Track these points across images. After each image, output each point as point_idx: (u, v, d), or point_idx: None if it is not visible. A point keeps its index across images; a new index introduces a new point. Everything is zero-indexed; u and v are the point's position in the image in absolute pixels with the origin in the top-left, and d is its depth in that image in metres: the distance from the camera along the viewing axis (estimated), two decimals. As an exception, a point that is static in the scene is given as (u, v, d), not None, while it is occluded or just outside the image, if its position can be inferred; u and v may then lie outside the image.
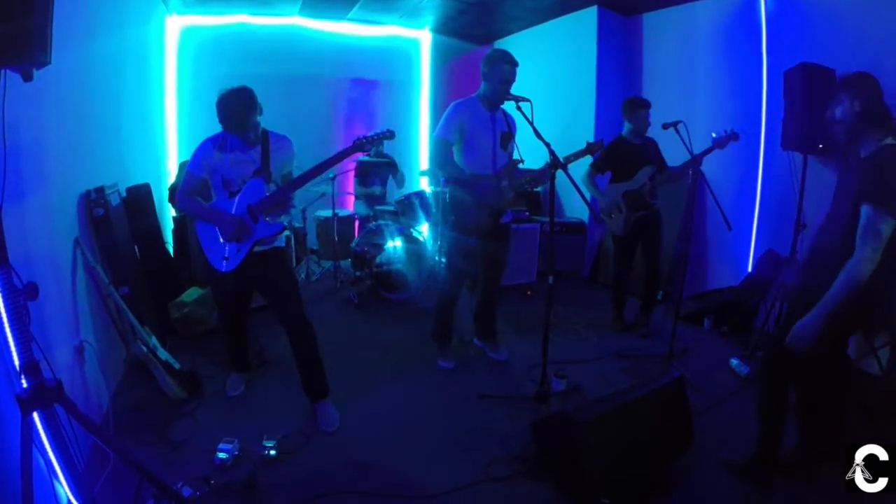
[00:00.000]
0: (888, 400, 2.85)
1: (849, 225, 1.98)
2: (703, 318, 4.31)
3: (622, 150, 3.95)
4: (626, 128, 3.97)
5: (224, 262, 2.70)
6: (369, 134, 2.69)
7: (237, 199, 2.66)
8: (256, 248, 2.70)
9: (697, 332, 4.22)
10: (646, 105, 3.90)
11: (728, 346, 3.91)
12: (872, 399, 2.82)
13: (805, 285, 2.31)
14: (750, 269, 4.47)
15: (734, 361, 3.51)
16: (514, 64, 3.08)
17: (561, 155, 2.79)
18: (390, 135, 2.77)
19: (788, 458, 2.39)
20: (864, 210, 1.90)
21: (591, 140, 3.07)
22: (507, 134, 3.22)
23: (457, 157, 3.22)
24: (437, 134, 3.21)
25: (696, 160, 3.38)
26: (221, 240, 2.70)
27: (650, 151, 3.95)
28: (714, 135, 3.44)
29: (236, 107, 2.53)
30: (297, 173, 2.76)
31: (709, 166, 3.55)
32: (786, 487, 2.33)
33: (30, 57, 1.37)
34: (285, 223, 2.86)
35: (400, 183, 5.68)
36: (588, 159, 3.34)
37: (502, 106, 3.24)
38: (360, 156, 5.35)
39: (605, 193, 4.03)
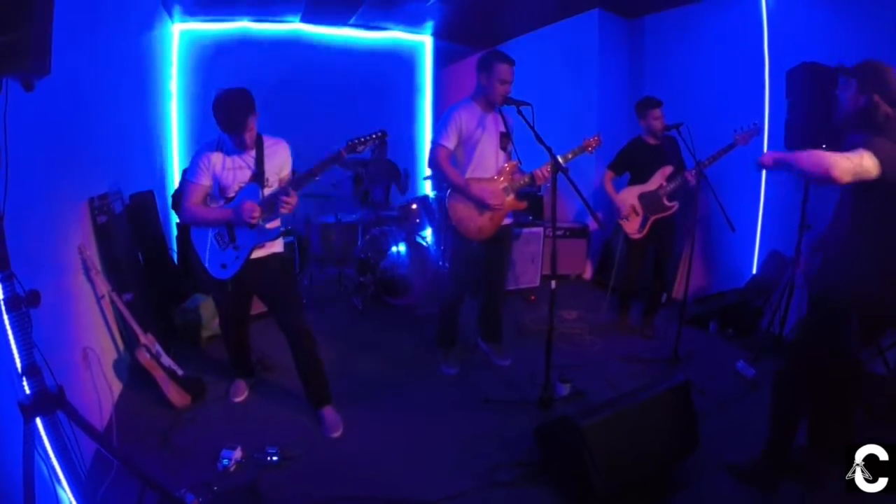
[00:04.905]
0: (894, 401, 2.83)
1: (854, 216, 2.00)
2: (707, 322, 4.28)
3: (637, 151, 3.91)
4: (643, 129, 3.93)
5: (222, 270, 2.70)
6: (361, 135, 2.63)
7: (233, 205, 2.64)
8: (254, 255, 2.69)
9: (702, 335, 4.19)
10: (656, 104, 3.83)
11: (733, 348, 3.88)
12: (878, 400, 2.80)
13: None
14: (755, 270, 4.44)
15: (740, 364, 3.48)
16: (511, 62, 3.05)
17: (559, 153, 2.78)
18: (382, 135, 2.68)
19: (797, 459, 2.37)
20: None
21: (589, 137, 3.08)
22: (506, 134, 3.20)
23: (459, 160, 3.21)
24: (434, 139, 3.21)
25: (711, 159, 3.38)
26: (229, 244, 2.69)
27: (669, 151, 3.86)
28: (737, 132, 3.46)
29: (232, 107, 2.49)
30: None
31: (711, 167, 3.54)
32: (789, 489, 2.31)
33: (27, 66, 1.34)
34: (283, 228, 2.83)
35: (403, 190, 5.64)
36: (602, 168, 3.33)
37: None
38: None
39: (621, 196, 3.95)
